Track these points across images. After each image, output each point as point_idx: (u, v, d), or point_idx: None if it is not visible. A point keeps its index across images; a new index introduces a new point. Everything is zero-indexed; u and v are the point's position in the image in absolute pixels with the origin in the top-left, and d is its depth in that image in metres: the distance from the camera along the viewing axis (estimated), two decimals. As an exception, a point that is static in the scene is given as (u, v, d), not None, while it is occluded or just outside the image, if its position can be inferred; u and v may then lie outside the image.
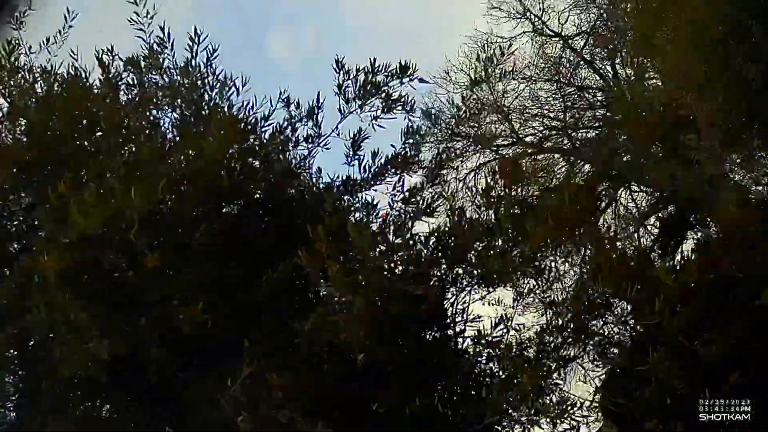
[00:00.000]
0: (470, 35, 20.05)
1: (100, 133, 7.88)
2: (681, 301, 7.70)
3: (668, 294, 7.53)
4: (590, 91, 20.13)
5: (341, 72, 8.61)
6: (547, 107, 20.09)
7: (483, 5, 20.05)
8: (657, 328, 7.67)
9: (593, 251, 7.78)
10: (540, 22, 20.10)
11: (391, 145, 8.45)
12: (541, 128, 20.17)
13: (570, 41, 20.13)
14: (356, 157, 8.59)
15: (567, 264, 8.01)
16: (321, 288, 7.78)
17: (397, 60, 8.18)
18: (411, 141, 8.40)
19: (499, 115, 20.04)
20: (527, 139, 20.44)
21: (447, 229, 7.68)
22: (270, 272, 7.53)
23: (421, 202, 8.22)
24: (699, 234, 10.24)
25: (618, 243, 8.59)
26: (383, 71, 8.66)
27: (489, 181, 7.90)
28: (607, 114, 19.58)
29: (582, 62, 19.99)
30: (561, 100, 20.16)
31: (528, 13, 20.02)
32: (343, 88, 8.62)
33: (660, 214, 17.94)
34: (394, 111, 8.64)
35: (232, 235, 7.89)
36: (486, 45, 19.39)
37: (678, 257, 10.78)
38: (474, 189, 8.10)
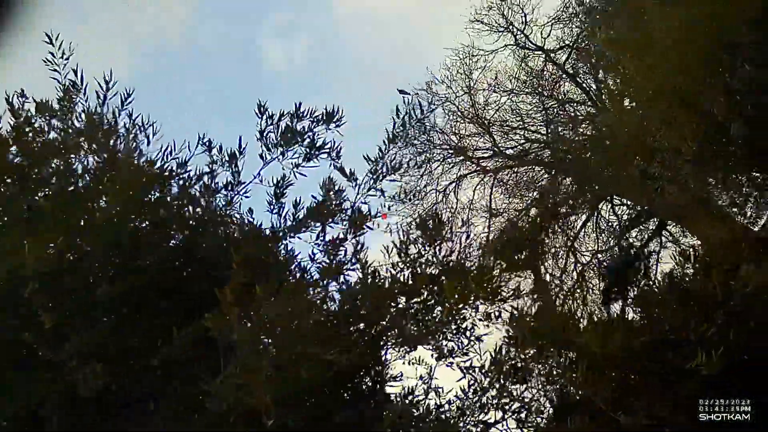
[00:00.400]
0: (452, 47, 19.51)
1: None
2: (608, 365, 7.07)
3: (594, 358, 6.94)
4: (572, 104, 19.44)
5: (263, 117, 7.97)
6: (528, 120, 19.43)
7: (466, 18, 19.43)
8: (582, 393, 7.07)
9: (514, 314, 7.11)
10: (522, 35, 19.41)
11: (312, 196, 7.80)
12: (522, 141, 19.49)
13: (552, 55, 19.45)
14: (279, 204, 7.93)
15: (488, 326, 7.31)
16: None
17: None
18: (331, 192, 7.69)
19: (479, 128, 19.43)
20: (508, 152, 19.82)
21: (360, 288, 7.03)
22: (177, 332, 6.93)
23: (343, 255, 7.58)
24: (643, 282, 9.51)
25: (545, 300, 7.83)
26: (308, 116, 8.04)
27: (404, 238, 7.23)
28: (589, 129, 18.91)
29: (564, 76, 19.29)
30: (543, 113, 19.48)
31: (510, 27, 19.33)
32: (266, 133, 7.97)
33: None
34: (319, 159, 7.99)
35: (141, 291, 7.30)
36: (468, 57, 18.92)
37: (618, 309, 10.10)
38: (392, 245, 7.27)
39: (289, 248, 8.09)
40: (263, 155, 8.08)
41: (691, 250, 8.09)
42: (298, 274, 7.65)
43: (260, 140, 8.06)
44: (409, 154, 17.90)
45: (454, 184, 19.92)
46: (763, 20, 11.56)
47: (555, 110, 19.53)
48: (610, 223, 19.59)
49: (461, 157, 19.81)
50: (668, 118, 12.05)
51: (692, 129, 11.92)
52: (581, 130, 19.33)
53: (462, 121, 19.70)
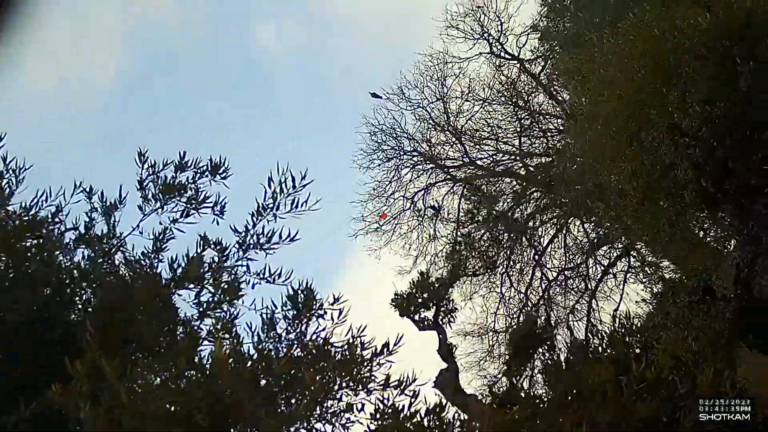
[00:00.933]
0: (425, 53, 18.70)
1: None
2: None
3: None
4: (546, 117, 18.60)
5: (144, 166, 7.28)
6: (500, 131, 18.61)
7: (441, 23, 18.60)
8: None
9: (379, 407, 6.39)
10: (498, 44, 18.52)
11: (185, 256, 7.10)
12: (493, 152, 18.70)
13: (527, 65, 18.58)
14: (157, 259, 7.26)
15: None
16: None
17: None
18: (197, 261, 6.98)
19: (451, 136, 18.67)
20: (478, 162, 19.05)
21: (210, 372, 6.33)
22: (22, 402, 6.29)
23: (217, 323, 6.90)
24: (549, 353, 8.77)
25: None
26: (192, 167, 7.34)
27: (267, 316, 6.53)
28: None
29: (538, 87, 18.42)
30: (517, 123, 18.64)
31: (486, 35, 18.43)
32: (145, 183, 7.28)
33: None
34: (200, 214, 7.31)
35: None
36: (443, 64, 18.14)
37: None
38: (260, 319, 6.59)
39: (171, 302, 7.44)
40: (142, 207, 7.39)
41: (584, 339, 7.33)
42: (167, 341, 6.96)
43: (140, 191, 7.37)
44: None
45: (423, 192, 19.21)
46: (709, 54, 10.75)
47: (528, 122, 18.70)
48: (578, 240, 18.84)
49: (431, 165, 19.08)
50: (614, 155, 11.24)
51: (638, 167, 11.12)
52: (553, 143, 18.55)
53: (434, 129, 18.94)
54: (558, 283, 18.78)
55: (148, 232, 7.47)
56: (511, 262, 18.54)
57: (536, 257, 18.80)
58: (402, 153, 18.75)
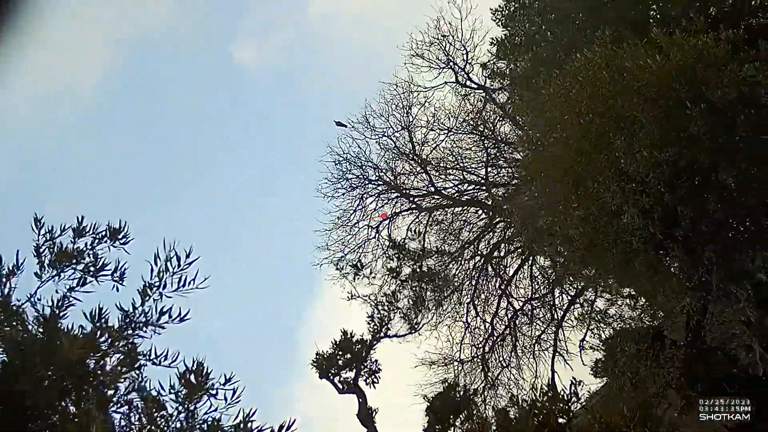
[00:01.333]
0: (390, 81, 18.33)
1: None
2: None
3: None
4: (512, 146, 18.23)
5: (40, 232, 6.87)
6: (466, 161, 18.23)
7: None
8: None
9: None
10: (463, 72, 18.14)
11: (80, 326, 6.69)
12: (457, 182, 18.32)
13: (493, 93, 18.21)
14: (57, 328, 6.83)
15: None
16: None
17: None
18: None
19: (416, 165, 18.30)
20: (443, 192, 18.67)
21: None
22: None
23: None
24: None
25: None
26: (90, 233, 6.94)
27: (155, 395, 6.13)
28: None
29: (504, 116, 18.04)
30: (483, 152, 18.24)
31: (452, 64, 18.07)
32: (42, 250, 6.88)
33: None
34: (98, 281, 6.90)
35: None
36: (408, 92, 17.78)
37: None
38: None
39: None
40: (39, 274, 6.97)
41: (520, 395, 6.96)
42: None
43: (36, 257, 6.96)
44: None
45: (387, 221, 18.83)
46: (659, 97, 10.43)
47: (494, 152, 18.31)
48: (544, 270, 18.45)
49: (396, 194, 18.70)
50: (561, 200, 10.87)
51: (585, 213, 10.74)
52: (519, 173, 18.18)
53: (399, 158, 18.57)
54: (524, 312, 18.44)
55: (47, 299, 7.03)
56: (477, 291, 18.15)
57: (502, 287, 18.42)
58: (367, 182, 18.35)
